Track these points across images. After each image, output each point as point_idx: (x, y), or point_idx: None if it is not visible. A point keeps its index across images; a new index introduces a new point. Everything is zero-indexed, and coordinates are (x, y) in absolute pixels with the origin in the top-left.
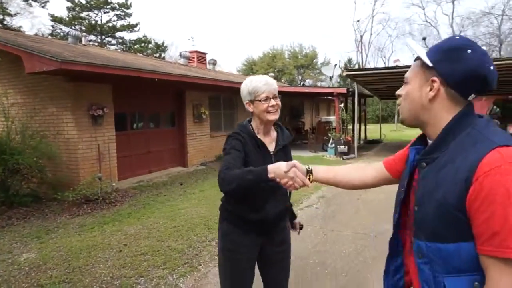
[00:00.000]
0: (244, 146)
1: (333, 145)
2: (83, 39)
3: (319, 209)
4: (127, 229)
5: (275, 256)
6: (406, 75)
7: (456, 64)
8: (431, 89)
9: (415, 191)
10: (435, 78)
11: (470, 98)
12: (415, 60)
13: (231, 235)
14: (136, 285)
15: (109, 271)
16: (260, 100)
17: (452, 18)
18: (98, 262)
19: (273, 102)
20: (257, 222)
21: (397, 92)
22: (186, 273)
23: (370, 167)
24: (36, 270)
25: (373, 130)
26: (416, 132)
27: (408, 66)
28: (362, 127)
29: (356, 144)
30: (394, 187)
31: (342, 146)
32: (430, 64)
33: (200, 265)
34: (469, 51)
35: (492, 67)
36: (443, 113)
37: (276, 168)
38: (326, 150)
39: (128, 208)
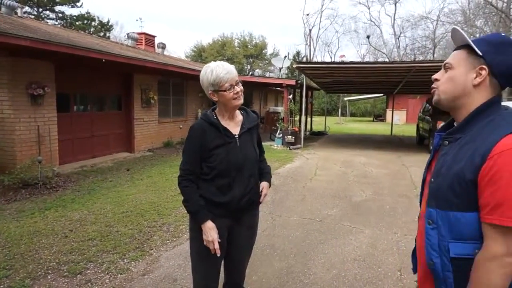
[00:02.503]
0: (204, 136)
1: (281, 135)
2: (18, 10)
3: (268, 196)
4: (71, 214)
5: (242, 239)
6: (448, 61)
7: (504, 56)
8: (477, 76)
9: (434, 167)
10: (484, 66)
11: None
12: (455, 49)
13: None
14: (85, 270)
15: (55, 257)
16: (224, 90)
17: (394, 19)
18: (42, 248)
19: (237, 89)
20: (224, 204)
21: (435, 76)
22: (138, 257)
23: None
24: None
25: (318, 122)
26: (357, 126)
27: (355, 62)
28: (308, 119)
29: (302, 135)
30: (334, 177)
31: (289, 137)
32: (480, 53)
33: (152, 249)
34: None
35: None
36: (480, 99)
37: (207, 229)
38: (273, 140)
39: (71, 194)
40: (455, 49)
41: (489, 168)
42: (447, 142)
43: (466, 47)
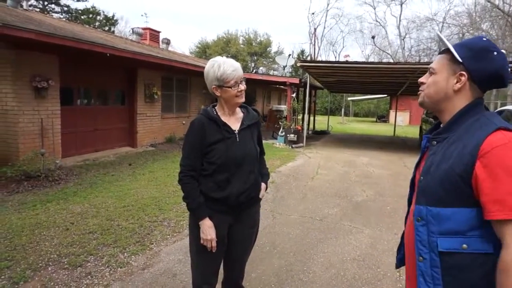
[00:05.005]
0: (204, 131)
1: (283, 133)
2: (24, 3)
3: (269, 194)
4: (73, 207)
5: (242, 237)
6: (433, 65)
7: (483, 63)
8: (457, 82)
9: (422, 167)
10: (463, 72)
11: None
12: (440, 53)
13: None
14: (85, 262)
15: (56, 249)
16: (230, 87)
17: (400, 20)
18: (43, 240)
19: (241, 87)
20: (222, 199)
21: (421, 80)
22: (138, 251)
23: None
24: None
25: (321, 122)
26: (360, 126)
27: (359, 62)
28: (311, 118)
29: (305, 134)
30: (336, 176)
31: (292, 135)
32: (460, 60)
33: (152, 244)
34: (495, 53)
35: (509, 69)
36: (461, 103)
37: (205, 227)
38: (276, 138)
39: (73, 187)
40: (440, 53)
41: (484, 165)
42: (435, 142)
43: (449, 52)
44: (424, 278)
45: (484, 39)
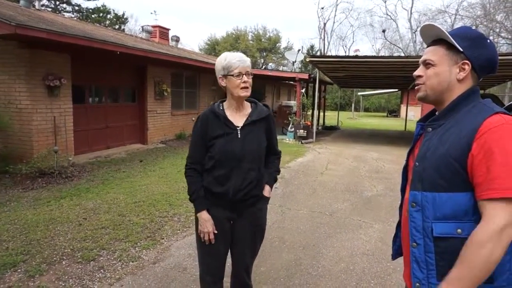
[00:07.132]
0: (207, 126)
1: (293, 129)
2: (36, 3)
3: (278, 189)
4: (85, 203)
5: (243, 234)
6: (430, 57)
7: (481, 50)
8: (460, 71)
9: (417, 153)
10: (467, 61)
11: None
12: (430, 45)
13: None
14: (98, 257)
15: (69, 244)
16: (233, 75)
17: (411, 13)
18: (57, 235)
19: (245, 78)
20: (220, 194)
21: (417, 73)
22: (149, 246)
23: None
24: None
25: (331, 117)
26: (371, 121)
27: (369, 56)
28: (321, 113)
29: (314, 129)
30: (346, 172)
31: (302, 131)
32: (461, 49)
33: (163, 238)
34: (488, 40)
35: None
36: (462, 91)
37: (202, 220)
38: (285, 134)
39: (86, 183)
40: (429, 45)
41: (481, 146)
42: (430, 128)
43: (443, 43)
44: (418, 264)
45: (473, 27)
